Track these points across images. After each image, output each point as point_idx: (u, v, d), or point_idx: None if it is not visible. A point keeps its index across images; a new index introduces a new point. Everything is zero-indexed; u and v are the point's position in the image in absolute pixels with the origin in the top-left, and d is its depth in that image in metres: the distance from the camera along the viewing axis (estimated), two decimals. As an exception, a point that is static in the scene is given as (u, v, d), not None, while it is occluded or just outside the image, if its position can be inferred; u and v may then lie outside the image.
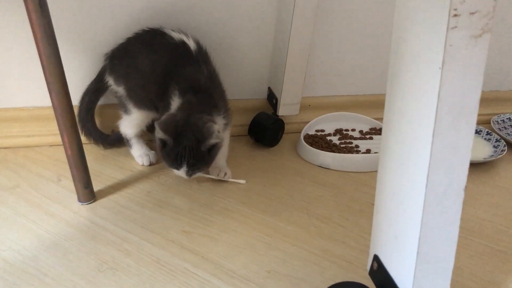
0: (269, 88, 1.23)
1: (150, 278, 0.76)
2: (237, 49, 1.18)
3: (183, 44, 0.99)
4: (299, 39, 1.08)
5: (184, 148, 0.88)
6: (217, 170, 1.03)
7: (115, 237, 0.85)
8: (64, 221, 0.88)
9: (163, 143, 0.90)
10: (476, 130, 1.23)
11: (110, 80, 1.05)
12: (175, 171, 0.92)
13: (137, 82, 1.00)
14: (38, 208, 0.92)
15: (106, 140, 1.13)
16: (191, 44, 0.99)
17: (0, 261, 0.78)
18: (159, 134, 0.88)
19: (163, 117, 0.90)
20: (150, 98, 1.01)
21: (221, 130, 0.94)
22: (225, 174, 1.03)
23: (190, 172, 0.91)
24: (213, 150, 0.92)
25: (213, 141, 0.89)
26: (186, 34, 1.00)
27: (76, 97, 1.06)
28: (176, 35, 0.99)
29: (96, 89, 1.09)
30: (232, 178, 1.04)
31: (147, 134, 1.16)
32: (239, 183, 1.03)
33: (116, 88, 1.04)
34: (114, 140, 1.14)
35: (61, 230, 0.86)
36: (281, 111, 1.18)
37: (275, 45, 1.18)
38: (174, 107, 0.93)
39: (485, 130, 1.24)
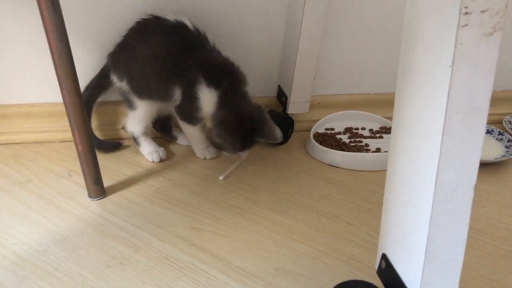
0: (278, 86, 1.23)
1: (159, 274, 0.76)
2: (247, 47, 1.19)
3: (182, 24, 0.99)
4: (309, 37, 1.07)
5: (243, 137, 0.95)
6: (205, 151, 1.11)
7: (125, 232, 0.85)
8: (74, 216, 0.89)
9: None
10: (487, 130, 1.22)
11: (114, 78, 1.05)
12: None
13: (138, 70, 1.00)
14: (49, 203, 0.93)
15: (99, 145, 1.11)
16: (189, 24, 0.99)
17: (11, 254, 0.79)
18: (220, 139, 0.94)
19: (217, 124, 0.94)
20: (153, 85, 1.00)
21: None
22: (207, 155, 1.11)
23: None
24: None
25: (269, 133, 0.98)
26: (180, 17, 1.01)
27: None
28: (171, 17, 0.99)
29: (96, 85, 1.09)
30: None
31: (153, 131, 1.17)
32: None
33: (119, 84, 1.04)
34: (104, 146, 1.12)
35: (71, 225, 0.87)
36: (291, 109, 1.18)
37: (285, 43, 1.17)
38: (208, 101, 0.96)
39: (497, 130, 1.23)
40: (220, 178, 1.03)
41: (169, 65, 0.97)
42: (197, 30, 1.00)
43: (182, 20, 0.99)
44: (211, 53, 0.99)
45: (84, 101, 1.05)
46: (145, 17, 1.02)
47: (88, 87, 1.10)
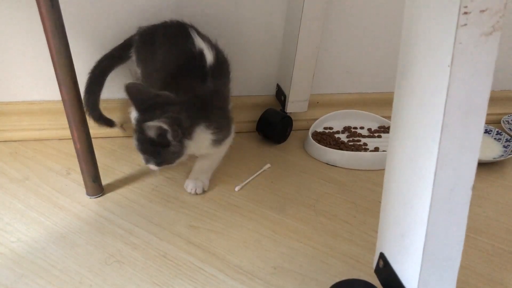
0: (277, 84, 1.23)
1: (157, 272, 0.76)
2: (246, 45, 1.18)
3: (200, 56, 0.93)
4: (308, 36, 1.07)
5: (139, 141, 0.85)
6: (193, 183, 0.98)
7: (123, 230, 0.85)
8: (72, 214, 0.89)
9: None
10: (486, 129, 1.22)
11: (134, 56, 1.04)
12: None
13: (150, 71, 1.00)
14: (47, 201, 0.93)
15: (98, 117, 1.06)
16: (209, 58, 0.93)
17: (9, 252, 0.79)
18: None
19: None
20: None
21: (207, 143, 0.91)
22: (196, 189, 0.97)
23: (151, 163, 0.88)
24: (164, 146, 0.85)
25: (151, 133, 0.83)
26: (210, 44, 0.96)
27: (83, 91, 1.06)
28: (198, 43, 0.94)
29: (118, 55, 1.05)
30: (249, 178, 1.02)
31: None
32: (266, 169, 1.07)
33: (135, 67, 1.04)
34: (104, 120, 1.08)
35: (69, 223, 0.87)
36: (290, 108, 1.18)
37: (284, 42, 1.17)
38: None
39: (495, 129, 1.23)
40: (236, 189, 0.99)
41: (169, 85, 0.90)
42: (215, 64, 0.94)
43: (205, 50, 0.94)
44: (202, 89, 0.91)
45: (101, 69, 1.03)
46: (182, 23, 1.00)
47: (109, 56, 1.05)
